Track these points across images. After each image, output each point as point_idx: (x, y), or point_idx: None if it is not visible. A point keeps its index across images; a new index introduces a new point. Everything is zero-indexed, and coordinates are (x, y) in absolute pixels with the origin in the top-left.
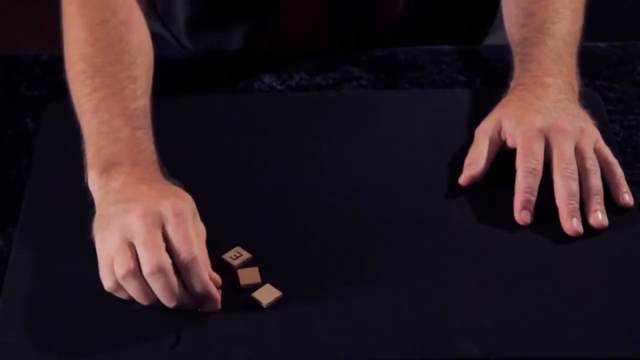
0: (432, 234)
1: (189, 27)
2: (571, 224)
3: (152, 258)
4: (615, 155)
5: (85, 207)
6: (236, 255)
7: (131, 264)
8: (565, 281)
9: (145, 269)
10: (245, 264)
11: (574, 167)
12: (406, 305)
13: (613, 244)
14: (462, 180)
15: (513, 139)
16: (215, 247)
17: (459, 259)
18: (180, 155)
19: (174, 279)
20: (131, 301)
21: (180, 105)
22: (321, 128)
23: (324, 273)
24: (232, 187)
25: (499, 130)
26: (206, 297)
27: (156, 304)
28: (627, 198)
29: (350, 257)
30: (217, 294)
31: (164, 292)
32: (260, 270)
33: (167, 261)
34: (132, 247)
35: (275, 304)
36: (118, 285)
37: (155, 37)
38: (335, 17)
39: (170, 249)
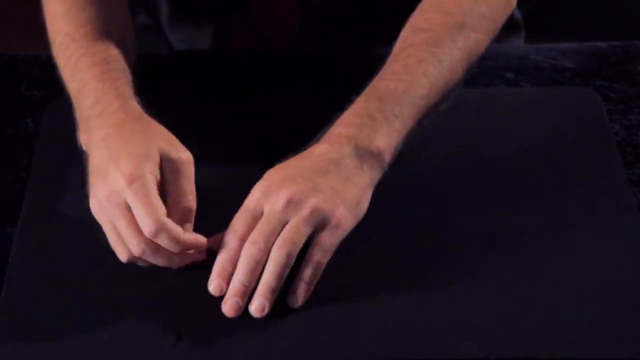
0: (432, 234)
1: (170, 21)
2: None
3: (132, 241)
4: (615, 155)
5: (84, 208)
6: None
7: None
8: (565, 281)
9: (133, 250)
10: None
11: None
12: (406, 305)
13: (613, 244)
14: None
15: None
16: (212, 249)
17: (459, 259)
18: None
19: (160, 252)
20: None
21: (179, 106)
22: (320, 128)
23: (324, 273)
24: (232, 187)
25: None
26: (187, 254)
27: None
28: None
29: (349, 256)
30: (200, 242)
31: (154, 260)
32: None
33: (145, 238)
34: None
35: (275, 304)
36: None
37: (151, 31)
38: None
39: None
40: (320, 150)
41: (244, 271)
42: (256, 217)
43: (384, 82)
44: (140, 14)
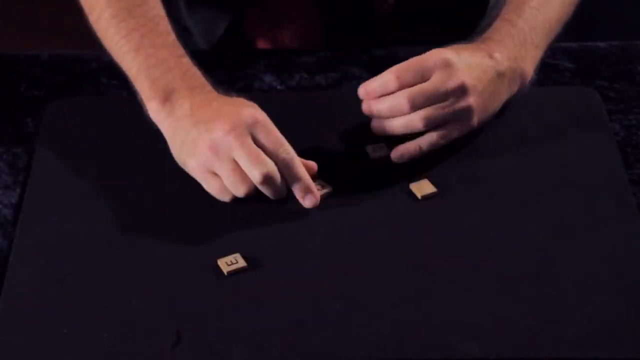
0: (432, 234)
1: (188, 5)
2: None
3: (259, 168)
4: (615, 155)
5: (84, 208)
6: (232, 261)
7: (246, 181)
8: (565, 281)
9: (256, 179)
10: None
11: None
12: (406, 305)
13: (613, 244)
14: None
15: None
16: (212, 249)
17: (459, 259)
18: None
19: (280, 180)
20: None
21: None
22: (321, 128)
23: (324, 273)
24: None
25: None
26: (306, 189)
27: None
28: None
29: (350, 256)
30: (314, 187)
31: (275, 194)
32: (259, 270)
33: (272, 167)
34: (234, 162)
35: (275, 304)
36: (235, 198)
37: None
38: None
39: (266, 153)
40: (492, 54)
41: (384, 111)
42: (424, 76)
43: (527, 7)
44: None
